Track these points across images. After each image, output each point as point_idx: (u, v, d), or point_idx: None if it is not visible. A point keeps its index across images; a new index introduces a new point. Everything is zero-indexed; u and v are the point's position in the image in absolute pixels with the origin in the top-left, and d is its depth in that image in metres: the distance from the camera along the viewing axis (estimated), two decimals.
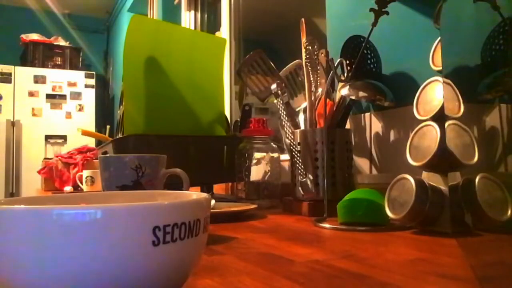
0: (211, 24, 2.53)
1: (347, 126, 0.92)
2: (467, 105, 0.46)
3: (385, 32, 0.85)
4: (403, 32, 0.91)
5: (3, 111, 3.90)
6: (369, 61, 0.90)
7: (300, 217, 0.79)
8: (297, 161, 0.83)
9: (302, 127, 0.92)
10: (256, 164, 1.00)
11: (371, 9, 0.76)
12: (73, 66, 4.35)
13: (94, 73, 4.37)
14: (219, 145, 1.11)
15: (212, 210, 0.81)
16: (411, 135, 0.64)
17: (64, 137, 4.08)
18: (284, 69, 1.04)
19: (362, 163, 0.98)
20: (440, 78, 0.63)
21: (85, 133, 1.67)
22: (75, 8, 4.64)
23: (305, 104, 0.94)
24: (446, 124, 0.47)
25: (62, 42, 4.38)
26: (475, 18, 0.48)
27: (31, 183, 3.49)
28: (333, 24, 1.14)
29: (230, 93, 1.93)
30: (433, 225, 0.57)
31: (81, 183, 1.57)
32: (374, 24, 0.77)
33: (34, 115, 4.02)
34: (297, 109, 0.99)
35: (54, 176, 1.80)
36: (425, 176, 0.61)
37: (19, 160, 3.91)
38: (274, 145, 1.02)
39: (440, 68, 0.67)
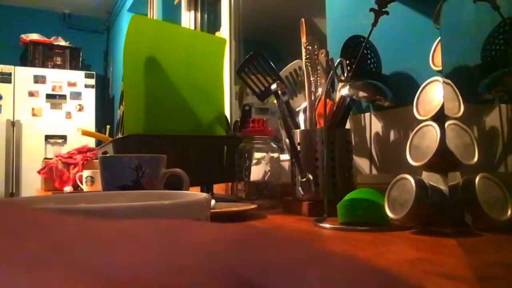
0: (211, 24, 2.53)
1: (347, 126, 0.92)
2: (467, 105, 0.46)
3: (385, 32, 0.85)
4: (403, 32, 0.91)
5: (3, 111, 3.90)
6: (369, 61, 0.90)
7: (300, 217, 0.78)
8: (297, 161, 0.83)
9: (302, 127, 0.92)
10: (256, 164, 1.00)
11: (371, 9, 0.76)
12: (73, 66, 4.35)
13: (94, 73, 4.37)
14: (219, 145, 1.11)
15: (212, 210, 0.81)
16: (411, 135, 0.64)
17: (64, 137, 4.08)
18: (284, 69, 1.04)
19: (362, 163, 0.98)
20: (440, 78, 0.63)
21: (85, 133, 1.66)
22: (75, 8, 4.64)
23: (305, 104, 0.94)
24: (446, 124, 0.47)
25: (62, 42, 4.38)
26: (475, 18, 0.48)
27: (31, 183, 3.49)
28: (333, 24, 1.14)
29: (230, 93, 1.93)
30: (433, 225, 0.57)
31: (81, 183, 1.57)
32: (374, 24, 0.77)
33: (34, 115, 4.02)
34: (297, 109, 0.99)
35: (54, 176, 1.80)
36: (425, 176, 0.61)
37: (19, 160, 3.91)
38: (274, 145, 1.02)
39: (440, 68, 0.67)
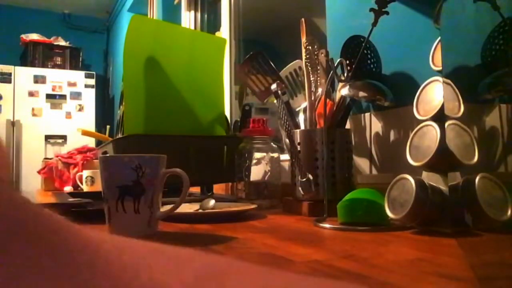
0: (211, 24, 2.53)
1: (347, 126, 0.92)
2: (467, 105, 0.45)
3: (385, 32, 0.85)
4: (403, 32, 0.91)
5: (3, 111, 3.90)
6: (369, 61, 0.90)
7: (300, 217, 0.78)
8: (297, 161, 0.83)
9: (302, 127, 0.92)
10: (256, 164, 1.00)
11: (371, 9, 0.76)
12: (73, 66, 4.35)
13: (94, 73, 4.37)
14: (219, 145, 1.11)
15: (212, 210, 0.81)
16: (411, 135, 0.64)
17: (64, 137, 4.08)
18: (284, 69, 1.04)
19: (362, 163, 0.98)
20: (440, 78, 0.63)
21: (85, 133, 1.67)
22: (75, 8, 4.64)
23: (305, 104, 0.94)
24: (446, 124, 0.47)
25: (62, 42, 4.38)
26: (475, 18, 0.48)
27: (31, 183, 3.49)
28: (333, 24, 1.14)
29: (230, 93, 1.93)
30: (433, 225, 0.57)
31: (81, 183, 1.57)
32: (374, 24, 0.77)
33: (34, 115, 4.02)
34: (297, 109, 0.99)
35: (54, 176, 1.80)
36: (425, 176, 0.61)
37: (19, 160, 3.91)
38: (274, 145, 1.02)
39: (440, 68, 0.67)
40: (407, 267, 0.39)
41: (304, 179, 0.79)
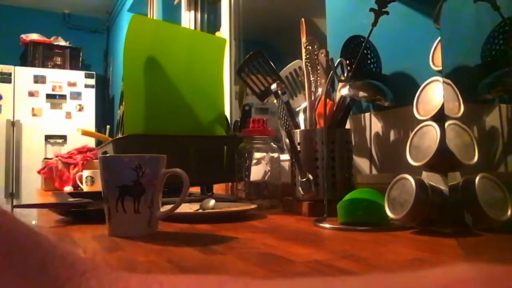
0: (211, 24, 2.53)
1: (347, 126, 0.92)
2: (467, 105, 0.45)
3: (385, 32, 0.85)
4: (403, 32, 0.91)
5: (3, 111, 3.90)
6: (369, 61, 0.90)
7: (300, 217, 0.78)
8: (297, 161, 0.83)
9: (302, 127, 0.92)
10: (256, 164, 1.00)
11: (371, 9, 0.76)
12: (73, 66, 4.35)
13: (94, 73, 4.37)
14: (219, 145, 1.11)
15: (212, 210, 0.81)
16: (411, 135, 0.64)
17: (64, 137, 4.08)
18: (284, 69, 1.04)
19: (362, 163, 0.98)
20: (440, 78, 0.63)
21: (85, 133, 1.67)
22: (75, 8, 4.64)
23: (305, 104, 0.94)
24: (446, 124, 0.47)
25: (62, 42, 4.38)
26: (475, 18, 0.48)
27: (31, 183, 3.48)
28: (333, 24, 1.14)
29: (230, 93, 1.93)
30: (433, 225, 0.57)
31: (81, 183, 1.57)
32: (374, 24, 0.77)
33: (34, 115, 4.02)
34: (297, 109, 0.99)
35: (54, 176, 1.80)
36: (425, 176, 0.61)
37: (19, 160, 3.91)
38: (274, 145, 1.02)
39: (440, 68, 0.67)
40: (407, 267, 0.39)
41: (304, 179, 0.79)
